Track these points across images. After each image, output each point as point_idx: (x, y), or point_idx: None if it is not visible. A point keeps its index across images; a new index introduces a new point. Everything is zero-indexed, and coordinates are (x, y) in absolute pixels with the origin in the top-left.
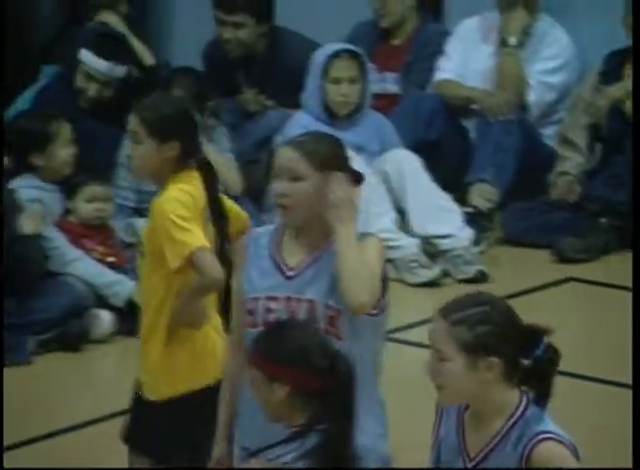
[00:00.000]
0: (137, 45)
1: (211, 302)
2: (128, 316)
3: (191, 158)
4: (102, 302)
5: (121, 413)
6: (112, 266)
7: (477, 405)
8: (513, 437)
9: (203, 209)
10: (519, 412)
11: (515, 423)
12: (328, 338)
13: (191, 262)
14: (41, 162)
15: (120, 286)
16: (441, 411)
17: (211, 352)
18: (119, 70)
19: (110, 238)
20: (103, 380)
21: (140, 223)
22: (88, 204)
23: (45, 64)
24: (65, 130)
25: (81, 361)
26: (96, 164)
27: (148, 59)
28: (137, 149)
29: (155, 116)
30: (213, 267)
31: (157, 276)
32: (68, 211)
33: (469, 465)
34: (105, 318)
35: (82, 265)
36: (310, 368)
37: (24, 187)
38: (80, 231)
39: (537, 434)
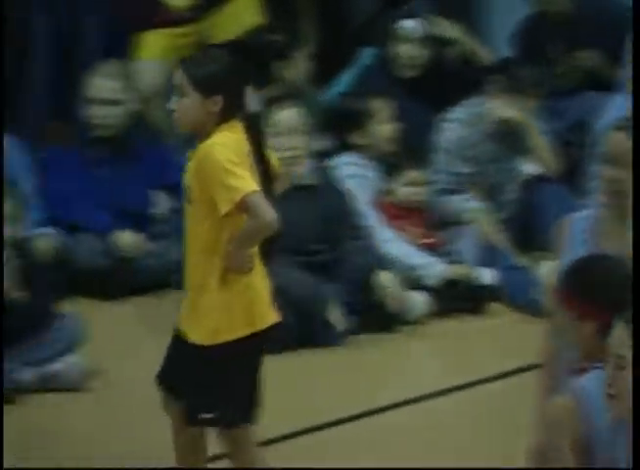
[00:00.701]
0: (469, 43)
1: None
2: (442, 297)
3: (234, 113)
4: (416, 283)
5: (439, 394)
6: (427, 248)
7: None
8: None
9: (247, 155)
10: None
11: None
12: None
13: (241, 207)
14: (361, 140)
15: (434, 267)
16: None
17: (260, 298)
18: (430, 29)
19: (425, 219)
20: (418, 361)
21: (464, 204)
22: (406, 187)
23: (363, 46)
24: (384, 108)
25: (397, 343)
26: (414, 144)
27: (486, 57)
28: (182, 102)
29: (201, 71)
30: (267, 210)
31: (207, 222)
32: (386, 192)
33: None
34: (419, 300)
35: (396, 246)
36: (616, 303)
37: (344, 164)
38: (396, 212)
39: None
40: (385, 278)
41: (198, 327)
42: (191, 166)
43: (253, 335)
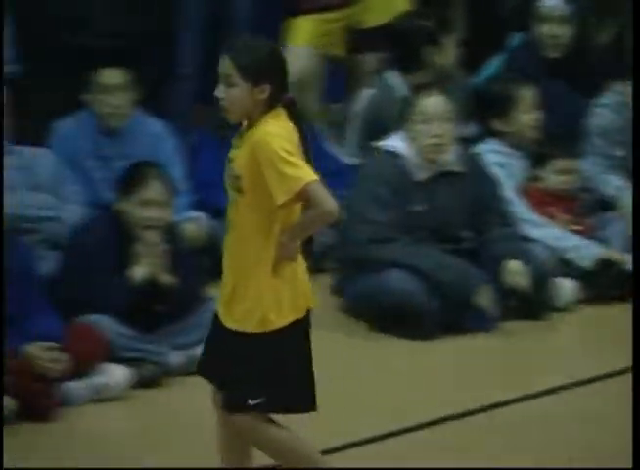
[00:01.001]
0: None
1: None
2: (593, 282)
3: (279, 100)
4: (567, 268)
5: (583, 383)
6: (577, 234)
7: None
8: None
9: (298, 144)
10: None
11: None
12: None
13: (299, 197)
14: (504, 127)
15: (587, 249)
16: None
17: (304, 285)
18: (568, 8)
19: (576, 207)
20: (566, 348)
21: (617, 188)
22: (557, 176)
23: (513, 32)
24: (528, 95)
25: (545, 330)
26: (560, 130)
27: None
28: (229, 91)
29: (249, 59)
30: (329, 199)
31: (259, 212)
32: (533, 179)
33: None
34: (568, 286)
35: (546, 231)
36: None
37: (489, 151)
38: (545, 198)
39: None
40: (514, 266)
41: (247, 316)
42: (241, 156)
43: (296, 321)
